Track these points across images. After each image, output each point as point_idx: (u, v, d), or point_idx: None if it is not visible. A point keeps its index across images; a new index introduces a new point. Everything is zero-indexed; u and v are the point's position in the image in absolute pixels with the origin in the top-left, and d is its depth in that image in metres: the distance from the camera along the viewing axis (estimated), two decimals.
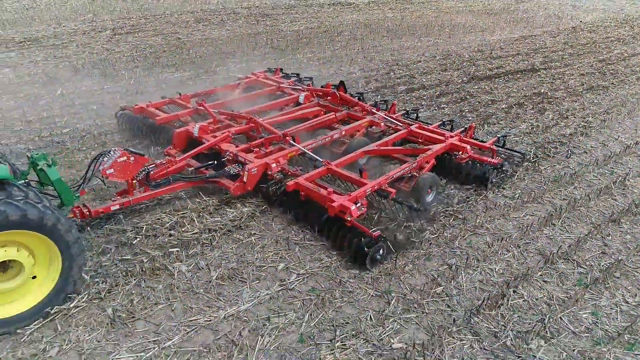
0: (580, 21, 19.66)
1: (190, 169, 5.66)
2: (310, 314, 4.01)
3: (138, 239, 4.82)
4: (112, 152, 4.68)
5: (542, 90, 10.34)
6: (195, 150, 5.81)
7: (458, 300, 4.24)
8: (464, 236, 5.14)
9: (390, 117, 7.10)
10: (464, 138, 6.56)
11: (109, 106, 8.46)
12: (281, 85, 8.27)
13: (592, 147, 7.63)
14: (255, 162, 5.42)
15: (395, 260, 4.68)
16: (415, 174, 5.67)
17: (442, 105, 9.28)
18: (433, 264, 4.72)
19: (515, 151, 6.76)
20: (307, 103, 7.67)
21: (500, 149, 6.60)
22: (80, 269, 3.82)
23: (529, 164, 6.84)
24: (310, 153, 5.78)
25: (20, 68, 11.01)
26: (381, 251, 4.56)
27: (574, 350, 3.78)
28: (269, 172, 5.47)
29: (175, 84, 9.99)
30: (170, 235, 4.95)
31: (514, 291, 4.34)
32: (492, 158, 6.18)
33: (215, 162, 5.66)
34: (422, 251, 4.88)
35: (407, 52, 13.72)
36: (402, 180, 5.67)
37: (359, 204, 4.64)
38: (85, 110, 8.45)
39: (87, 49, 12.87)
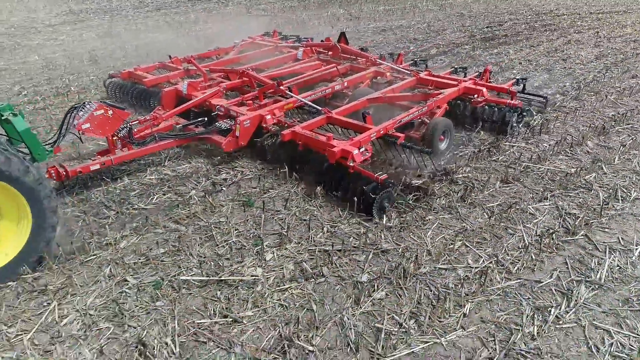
0: None
1: (178, 126, 5.26)
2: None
3: None
4: (87, 105, 4.28)
5: None
6: (183, 105, 5.41)
7: None
8: (602, 107, 6.68)
9: (397, 67, 6.66)
10: (479, 82, 6.10)
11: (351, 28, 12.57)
12: (279, 45, 8.01)
13: None
14: (248, 114, 4.99)
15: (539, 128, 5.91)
16: (426, 119, 5.17)
17: (587, 21, 13.11)
18: (585, 119, 6.15)
19: (537, 95, 6.29)
20: (306, 59, 7.24)
21: (520, 94, 6.11)
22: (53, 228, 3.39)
23: None
24: (309, 102, 5.36)
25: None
26: (389, 197, 4.07)
27: None
28: (264, 125, 5.01)
29: (369, 11, 13.92)
30: None
31: None
32: (512, 100, 5.68)
33: (206, 118, 5.31)
34: (567, 113, 6.26)
35: (518, 4, 17.34)
36: (411, 127, 5.17)
37: (362, 149, 4.23)
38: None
39: None
